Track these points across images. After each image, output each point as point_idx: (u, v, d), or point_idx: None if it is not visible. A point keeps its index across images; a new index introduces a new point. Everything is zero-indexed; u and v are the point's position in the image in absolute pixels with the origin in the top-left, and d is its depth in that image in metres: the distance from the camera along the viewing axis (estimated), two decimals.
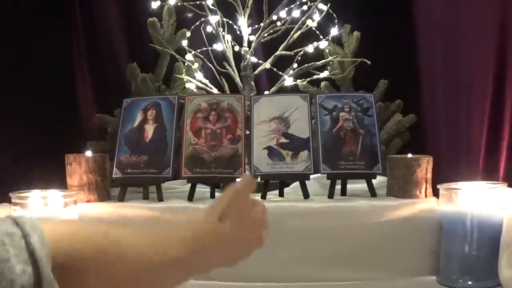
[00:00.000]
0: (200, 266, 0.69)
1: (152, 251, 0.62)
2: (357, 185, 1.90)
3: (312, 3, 2.12)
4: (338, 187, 1.83)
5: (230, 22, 2.15)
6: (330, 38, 2.14)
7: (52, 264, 0.50)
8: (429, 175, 1.76)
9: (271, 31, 2.14)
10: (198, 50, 2.16)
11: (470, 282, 1.59)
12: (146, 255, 0.61)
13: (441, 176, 1.80)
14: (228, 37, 2.16)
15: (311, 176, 1.82)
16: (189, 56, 2.16)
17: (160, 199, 1.76)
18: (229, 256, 0.73)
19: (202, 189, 1.91)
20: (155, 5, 2.14)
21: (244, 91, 2.10)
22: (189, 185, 1.79)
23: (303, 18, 2.11)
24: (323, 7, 2.11)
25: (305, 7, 2.13)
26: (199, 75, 2.18)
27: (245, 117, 1.84)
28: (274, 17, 2.13)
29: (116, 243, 0.59)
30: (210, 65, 2.14)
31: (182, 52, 2.18)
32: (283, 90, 2.13)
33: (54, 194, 1.63)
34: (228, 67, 2.15)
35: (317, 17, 2.11)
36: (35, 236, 0.50)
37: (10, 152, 2.10)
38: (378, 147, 1.81)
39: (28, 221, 0.51)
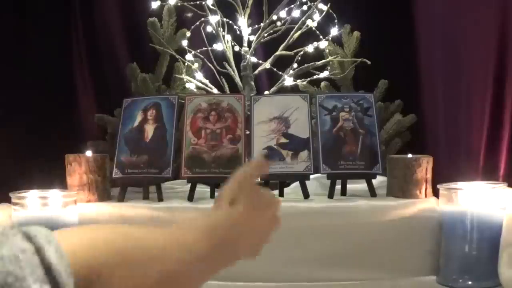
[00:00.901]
0: (225, 257, 0.65)
1: (177, 249, 0.58)
2: (357, 185, 1.90)
3: (312, 3, 2.12)
4: (338, 187, 1.83)
5: (230, 22, 2.15)
6: (330, 38, 2.14)
7: (74, 278, 0.45)
8: (429, 175, 1.76)
9: (271, 31, 2.14)
10: (198, 50, 2.16)
11: (470, 282, 1.59)
12: (171, 254, 0.57)
13: (441, 176, 1.80)
14: (228, 37, 2.15)
15: (311, 176, 1.82)
16: (189, 56, 2.16)
17: (160, 199, 1.76)
18: (249, 242, 0.69)
19: (202, 189, 1.91)
20: (155, 5, 2.14)
21: (244, 91, 2.10)
22: (189, 185, 1.79)
23: (303, 18, 2.11)
24: (323, 7, 2.11)
25: (305, 7, 2.13)
26: (199, 75, 2.18)
27: (245, 117, 1.84)
28: (274, 17, 2.13)
29: (138, 244, 0.55)
30: (210, 65, 2.14)
31: (182, 52, 2.18)
32: (283, 90, 2.12)
33: (54, 194, 1.63)
34: (228, 67, 2.15)
35: (317, 17, 2.11)
36: (51, 249, 0.44)
37: (10, 152, 2.10)
38: (378, 147, 1.81)
39: (41, 233, 0.45)
